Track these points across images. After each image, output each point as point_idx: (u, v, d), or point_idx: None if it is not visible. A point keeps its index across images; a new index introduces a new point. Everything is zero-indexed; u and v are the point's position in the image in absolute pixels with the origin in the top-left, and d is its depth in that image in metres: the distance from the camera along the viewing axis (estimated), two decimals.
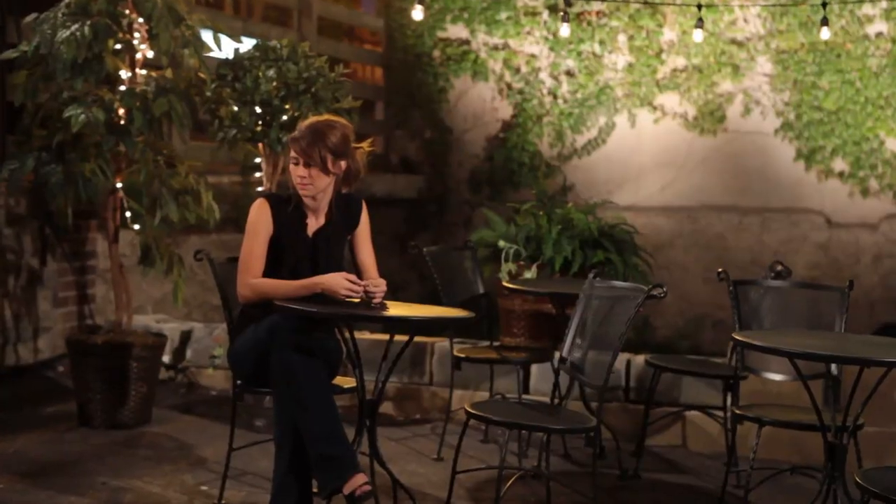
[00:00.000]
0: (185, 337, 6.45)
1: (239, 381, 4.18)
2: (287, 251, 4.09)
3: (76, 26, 4.96)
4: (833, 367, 4.15)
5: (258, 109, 5.25)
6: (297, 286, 3.94)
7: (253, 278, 4.03)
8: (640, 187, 10.10)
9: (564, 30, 7.65)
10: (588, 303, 4.16)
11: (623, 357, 5.55)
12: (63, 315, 6.54)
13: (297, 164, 4.06)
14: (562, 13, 7.57)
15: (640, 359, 5.59)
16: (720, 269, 4.56)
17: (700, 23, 7.08)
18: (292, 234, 4.11)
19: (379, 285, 3.93)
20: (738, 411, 4.26)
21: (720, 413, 5.18)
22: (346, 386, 4.18)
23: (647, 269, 5.86)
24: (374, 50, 11.81)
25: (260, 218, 4.08)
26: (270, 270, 4.05)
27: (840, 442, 3.73)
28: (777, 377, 4.43)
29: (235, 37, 5.67)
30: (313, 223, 4.16)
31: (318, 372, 3.86)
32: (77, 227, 6.59)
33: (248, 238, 4.07)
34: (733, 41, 9.78)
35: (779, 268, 4.91)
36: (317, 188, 4.06)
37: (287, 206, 4.12)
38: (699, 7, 7.09)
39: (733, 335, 3.83)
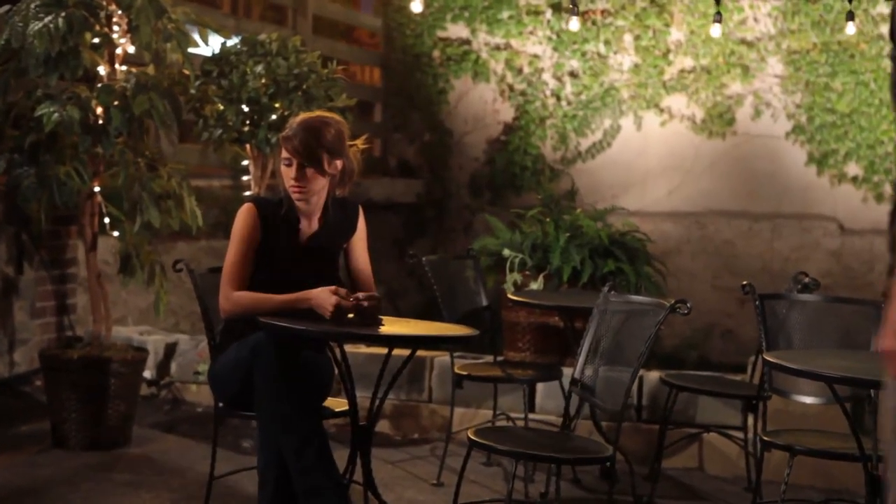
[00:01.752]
0: (170, 350, 6.09)
1: (221, 404, 3.83)
2: (277, 260, 3.75)
3: (49, 18, 4.61)
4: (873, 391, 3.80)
5: (245, 108, 4.89)
6: (283, 301, 3.59)
7: (236, 290, 3.68)
8: (647, 192, 9.78)
9: (574, 24, 7.30)
10: (602, 319, 3.81)
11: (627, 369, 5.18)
12: (41, 326, 6.18)
13: (289, 164, 3.71)
14: (571, 6, 7.21)
15: (653, 375, 5.23)
16: (745, 283, 4.20)
17: (718, 17, 6.74)
18: (282, 242, 3.76)
19: (371, 300, 3.56)
20: (765, 437, 3.90)
21: (740, 434, 4.83)
22: (337, 409, 3.82)
23: (660, 279, 5.51)
24: (371, 50, 11.49)
25: (246, 224, 3.73)
26: (259, 281, 3.71)
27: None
28: (808, 400, 4.08)
29: (225, 33, 5.33)
30: (306, 229, 3.81)
31: (306, 395, 3.51)
32: (56, 233, 6.24)
33: (233, 246, 3.73)
34: (743, 41, 9.45)
35: (805, 280, 4.55)
36: (311, 191, 3.72)
37: (277, 211, 3.77)
38: (717, 1, 6.75)
39: (763, 356, 3.48)
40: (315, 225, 3.81)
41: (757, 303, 4.14)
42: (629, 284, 5.16)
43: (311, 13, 9.21)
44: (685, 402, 5.12)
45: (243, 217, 3.74)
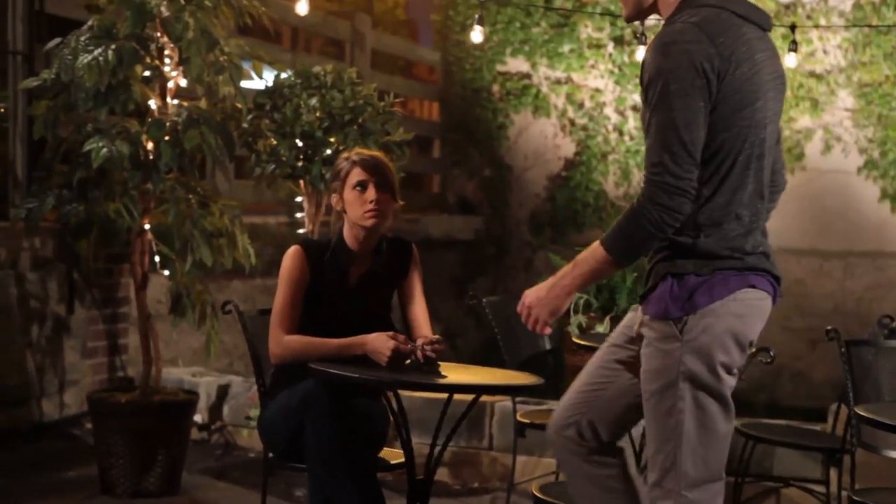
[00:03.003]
0: (223, 392, 5.91)
1: (271, 454, 3.62)
2: (326, 303, 3.55)
3: (99, 51, 4.47)
4: None
5: (299, 143, 4.71)
6: (337, 345, 3.39)
7: (286, 335, 3.49)
8: None
9: (641, 54, 7.06)
10: None
11: None
12: (92, 367, 6.04)
13: (363, 188, 3.53)
14: (638, 35, 6.99)
15: None
16: (830, 328, 3.93)
17: (793, 46, 6.48)
18: (332, 284, 3.57)
19: (436, 345, 3.34)
20: (856, 497, 3.61)
21: (821, 489, 4.54)
22: (393, 461, 3.59)
23: None
24: (430, 84, 11.34)
25: (294, 266, 3.55)
26: (307, 325, 3.51)
27: None
28: None
29: (280, 66, 5.16)
30: (356, 271, 3.62)
31: (359, 447, 3.30)
32: (108, 271, 6.10)
33: (282, 289, 3.54)
34: (812, 74, 9.19)
35: (893, 324, 4.27)
36: (385, 217, 3.56)
37: (325, 253, 3.59)
38: (792, 28, 6.49)
39: (854, 410, 3.21)
40: (366, 266, 3.62)
41: (843, 349, 3.86)
42: None
43: (369, 47, 9.08)
44: (761, 452, 4.83)
45: (291, 259, 3.56)
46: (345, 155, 3.66)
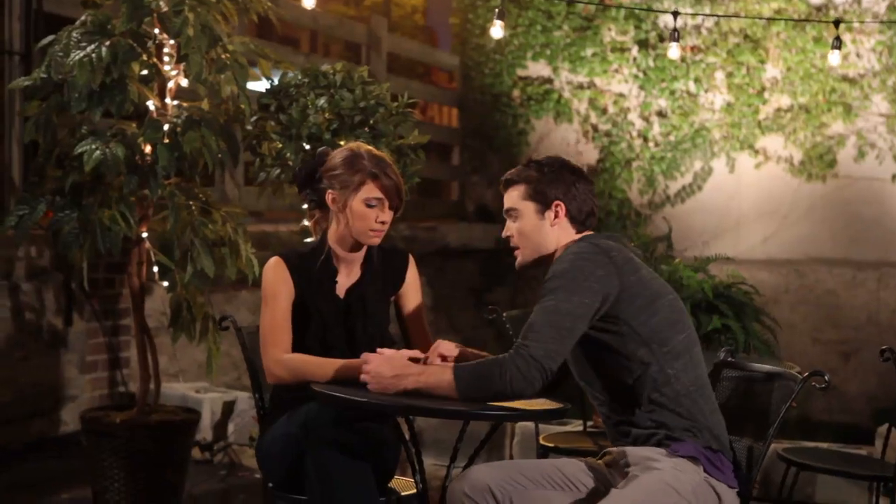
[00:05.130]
0: (228, 409, 5.61)
1: (271, 484, 3.31)
2: (315, 316, 3.25)
3: (92, 47, 4.18)
4: None
5: (306, 146, 4.39)
6: (342, 366, 3.08)
7: (283, 353, 3.19)
8: (740, 238, 9.19)
9: (674, 51, 6.74)
10: (715, 389, 3.23)
11: (744, 443, 4.58)
12: (91, 382, 5.75)
13: (375, 206, 3.25)
14: (672, 31, 6.65)
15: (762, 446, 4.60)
16: (885, 347, 3.60)
17: (837, 43, 6.14)
18: (319, 296, 3.27)
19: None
20: None
21: None
22: (404, 493, 3.27)
23: (771, 337, 4.90)
24: (448, 90, 11.05)
25: (278, 280, 3.25)
26: (297, 341, 3.24)
27: None
28: None
29: (287, 66, 4.86)
30: (344, 280, 3.32)
31: (364, 477, 2.99)
32: (109, 281, 5.82)
33: (268, 306, 3.24)
34: (845, 78, 8.86)
35: None
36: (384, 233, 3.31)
37: (308, 263, 3.29)
38: (836, 24, 6.15)
39: None
40: (355, 275, 3.32)
41: None
42: (737, 343, 4.57)
43: (385, 50, 8.78)
44: (803, 477, 4.50)
45: (273, 272, 3.27)
46: (355, 149, 3.33)
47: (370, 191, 3.25)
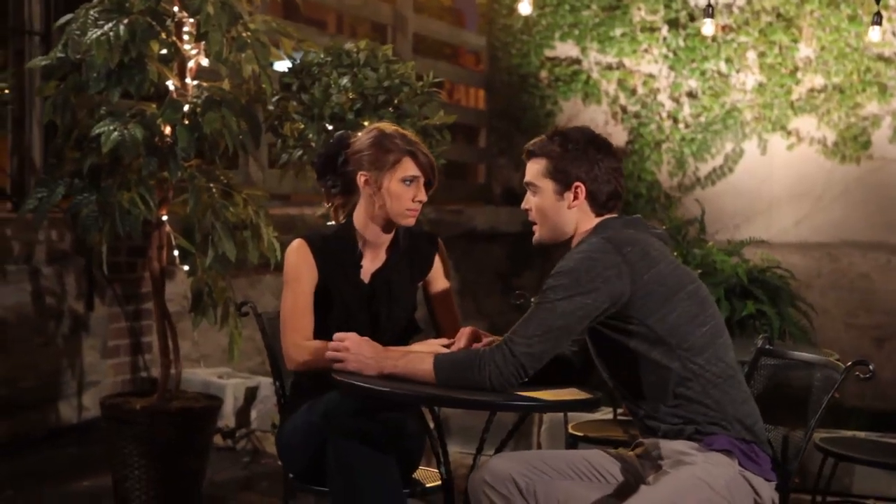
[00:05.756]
0: (251, 394, 5.53)
1: (291, 475, 3.21)
2: (336, 302, 3.15)
3: (110, 25, 4.08)
4: None
5: (329, 126, 4.28)
6: None
7: (304, 339, 3.09)
8: (772, 221, 9.02)
9: (708, 27, 6.57)
10: (752, 377, 3.11)
11: (780, 432, 4.45)
12: (113, 367, 5.68)
13: (411, 182, 3.14)
14: (706, 6, 6.48)
15: (801, 436, 4.47)
16: None
17: (878, 18, 5.97)
18: (343, 280, 3.17)
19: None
20: None
21: None
22: (428, 484, 3.17)
23: (807, 323, 4.76)
24: (475, 71, 10.92)
25: (300, 262, 3.15)
26: (317, 327, 3.14)
27: None
28: None
29: (311, 45, 4.75)
30: (369, 265, 3.21)
31: (387, 468, 2.89)
32: (131, 265, 5.74)
33: (290, 289, 3.15)
34: (880, 57, 8.67)
35: None
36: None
37: (333, 245, 3.18)
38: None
39: None
40: (381, 259, 3.22)
41: None
42: (772, 330, 4.43)
43: (411, 31, 8.67)
44: (841, 467, 4.36)
45: (295, 255, 3.17)
46: (382, 129, 3.23)
47: (406, 168, 3.16)
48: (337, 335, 2.87)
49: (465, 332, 3.03)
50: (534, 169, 2.94)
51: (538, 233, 2.97)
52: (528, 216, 2.98)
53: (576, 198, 2.89)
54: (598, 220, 2.90)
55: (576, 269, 2.73)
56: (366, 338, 2.87)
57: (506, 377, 2.70)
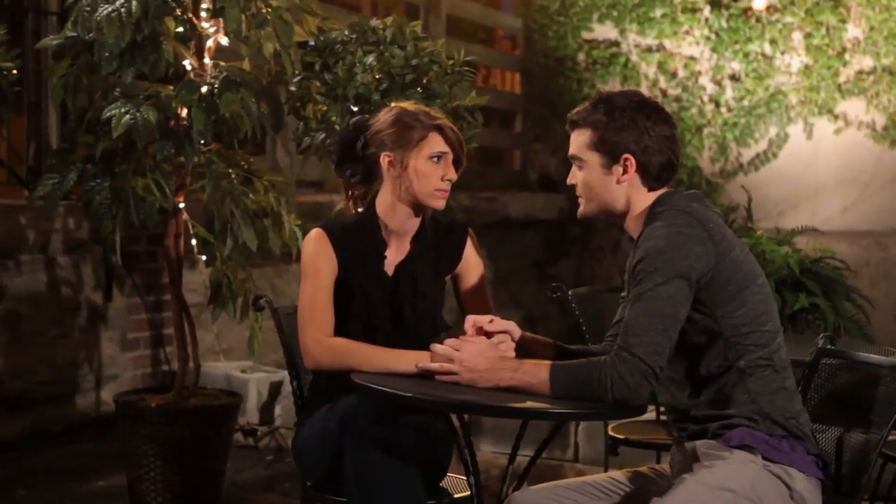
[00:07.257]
0: (275, 390, 5.31)
1: (308, 483, 2.98)
2: (357, 295, 2.91)
3: (121, 1, 3.85)
4: None
5: (353, 107, 4.03)
6: (393, 357, 2.72)
7: (324, 335, 2.84)
8: (818, 209, 8.71)
9: (759, 1, 6.26)
10: (812, 378, 2.84)
11: (832, 434, 4.18)
12: (133, 360, 5.48)
13: (438, 160, 2.91)
14: None
15: (855, 438, 4.20)
16: None
17: None
18: (364, 272, 2.93)
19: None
20: None
21: None
22: (457, 495, 2.92)
23: (863, 318, 4.48)
24: (510, 54, 10.65)
25: (318, 255, 2.91)
26: (336, 322, 2.90)
27: None
28: None
29: (335, 22, 4.50)
30: (393, 256, 2.97)
31: (409, 481, 2.65)
32: (151, 254, 5.54)
33: (308, 282, 2.91)
34: None
35: None
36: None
37: (354, 235, 2.94)
38: None
39: None
40: (406, 250, 2.97)
41: None
42: (826, 324, 4.16)
43: (444, 12, 8.41)
44: (890, 470, 4.09)
45: (313, 245, 2.93)
46: (402, 106, 2.99)
47: (434, 144, 2.91)
48: (450, 342, 2.61)
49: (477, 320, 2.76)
50: (578, 141, 2.68)
51: (584, 206, 2.71)
52: (576, 191, 2.71)
53: (625, 171, 2.63)
54: (654, 194, 2.64)
55: (666, 250, 2.48)
56: (480, 346, 2.60)
57: (633, 388, 2.43)
